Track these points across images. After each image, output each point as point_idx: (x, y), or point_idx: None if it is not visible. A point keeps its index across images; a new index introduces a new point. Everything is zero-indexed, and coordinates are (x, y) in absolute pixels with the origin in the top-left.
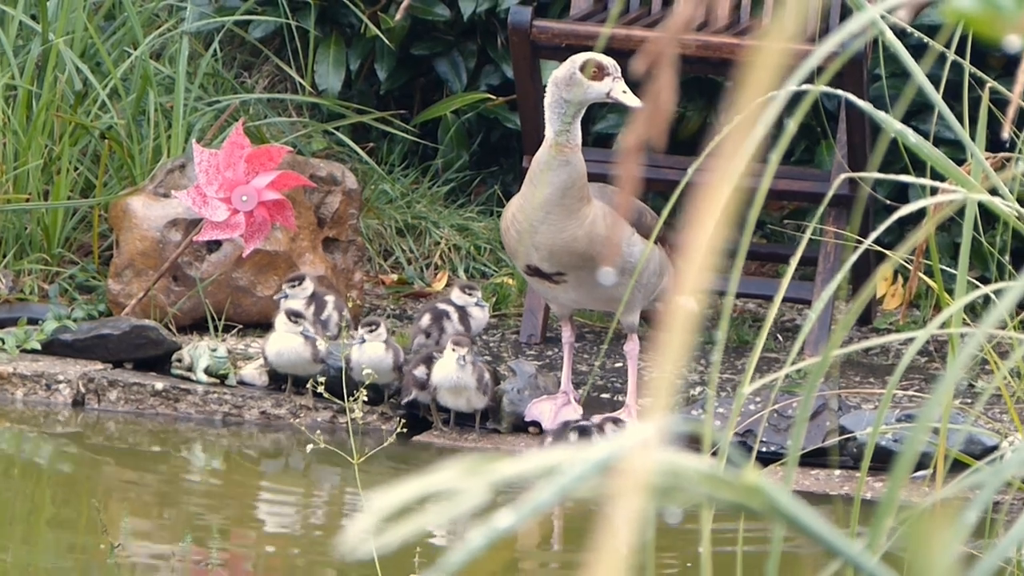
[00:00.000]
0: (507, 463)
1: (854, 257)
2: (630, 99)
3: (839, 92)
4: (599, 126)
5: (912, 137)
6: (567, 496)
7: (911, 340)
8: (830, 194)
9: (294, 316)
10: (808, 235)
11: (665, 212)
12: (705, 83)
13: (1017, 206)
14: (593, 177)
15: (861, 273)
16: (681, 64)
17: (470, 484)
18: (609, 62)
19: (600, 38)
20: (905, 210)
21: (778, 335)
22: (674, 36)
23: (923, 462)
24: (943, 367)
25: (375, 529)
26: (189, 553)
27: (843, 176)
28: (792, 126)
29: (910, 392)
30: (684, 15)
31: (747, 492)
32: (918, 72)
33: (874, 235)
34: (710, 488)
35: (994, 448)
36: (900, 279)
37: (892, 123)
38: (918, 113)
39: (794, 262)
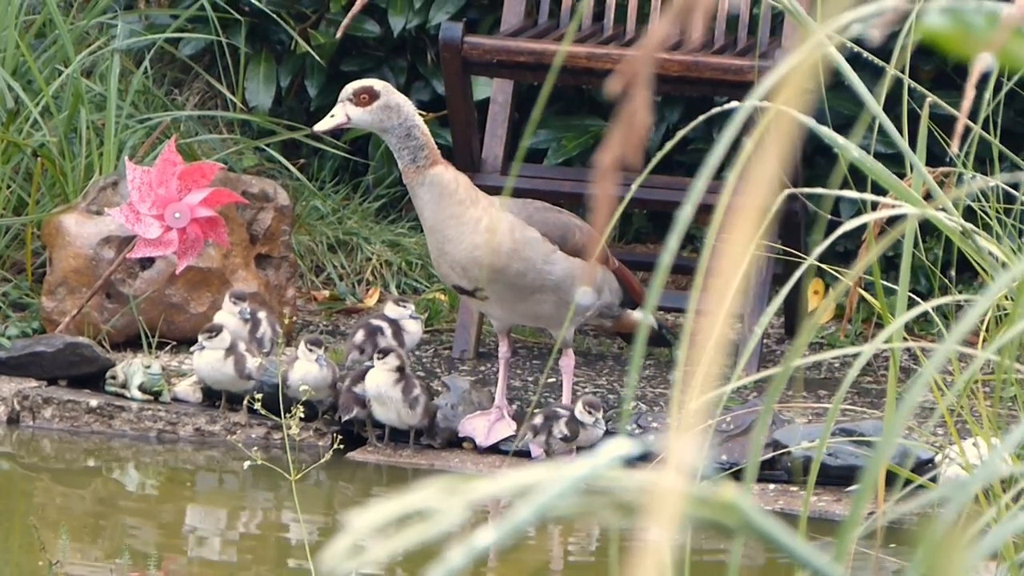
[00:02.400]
0: (485, 482)
1: (799, 272)
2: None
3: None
4: (528, 142)
5: (855, 152)
6: (546, 515)
7: (846, 354)
8: (774, 209)
9: (207, 332)
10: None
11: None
12: None
13: (962, 221)
14: (522, 193)
15: (791, 287)
16: (608, 79)
17: (448, 503)
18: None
19: (531, 54)
20: (850, 225)
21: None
22: (648, 55)
23: (856, 476)
24: (875, 381)
25: (353, 549)
26: (127, 570)
27: (787, 192)
28: (750, 144)
29: (843, 406)
30: (659, 34)
31: (723, 510)
32: (860, 87)
33: (818, 251)
34: (687, 506)
35: (929, 461)
36: (831, 292)
37: (836, 138)
38: (847, 127)
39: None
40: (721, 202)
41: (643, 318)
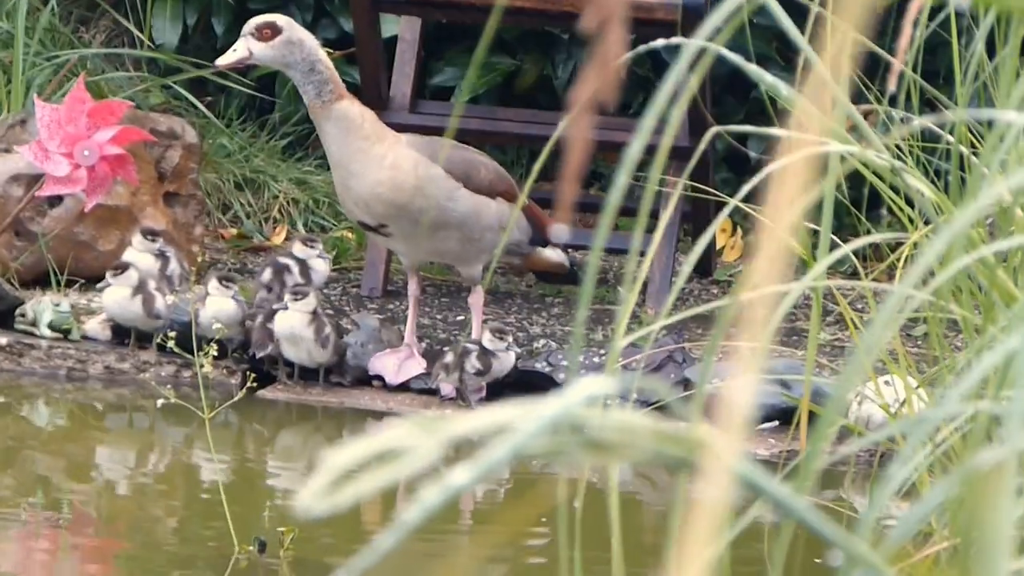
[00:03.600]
0: (459, 421)
1: (723, 214)
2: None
3: (715, 46)
4: (436, 79)
5: (784, 89)
6: (521, 454)
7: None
8: (701, 148)
9: (114, 269)
10: (680, 190)
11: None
12: (542, 36)
13: (892, 160)
14: (431, 131)
15: (700, 225)
16: (518, 17)
17: (422, 442)
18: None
19: None
20: (774, 166)
21: (618, 287)
22: None
23: (768, 414)
24: (786, 319)
25: (327, 488)
26: (39, 510)
27: (713, 130)
28: (694, 83)
29: (751, 344)
30: None
31: (696, 448)
32: (787, 21)
33: (743, 192)
34: (658, 444)
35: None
36: (740, 231)
37: (764, 75)
38: (760, 63)
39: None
40: (664, 143)
41: (556, 256)
